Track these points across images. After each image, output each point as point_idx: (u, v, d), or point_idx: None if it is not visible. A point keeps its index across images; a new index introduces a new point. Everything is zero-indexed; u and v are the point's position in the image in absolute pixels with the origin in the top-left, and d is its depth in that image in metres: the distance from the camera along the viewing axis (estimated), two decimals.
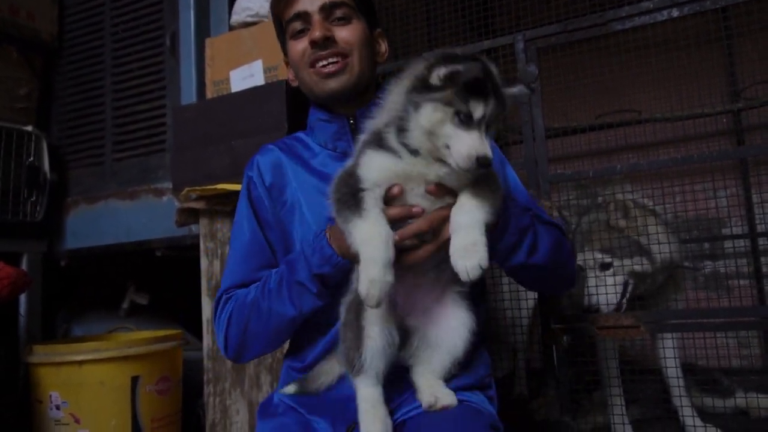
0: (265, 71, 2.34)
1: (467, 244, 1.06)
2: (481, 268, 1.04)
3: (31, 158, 2.90)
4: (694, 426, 2.00)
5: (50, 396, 2.34)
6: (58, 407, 2.32)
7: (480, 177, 1.10)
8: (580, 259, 2.08)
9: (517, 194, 1.50)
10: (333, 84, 1.42)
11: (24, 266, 2.89)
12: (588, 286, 2.05)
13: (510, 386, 2.72)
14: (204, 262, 2.34)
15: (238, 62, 2.41)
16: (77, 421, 2.32)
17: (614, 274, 2.04)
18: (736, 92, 3.11)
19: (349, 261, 1.22)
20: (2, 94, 2.91)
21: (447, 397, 1.23)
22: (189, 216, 2.39)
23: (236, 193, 2.14)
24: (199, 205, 2.30)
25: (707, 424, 2.00)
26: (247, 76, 2.37)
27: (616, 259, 2.04)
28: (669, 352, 2.10)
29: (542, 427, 2.15)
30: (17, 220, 2.84)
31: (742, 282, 2.93)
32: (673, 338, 2.12)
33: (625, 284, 2.05)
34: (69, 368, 2.33)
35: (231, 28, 2.62)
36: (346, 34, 1.42)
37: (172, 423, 2.57)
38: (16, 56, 2.97)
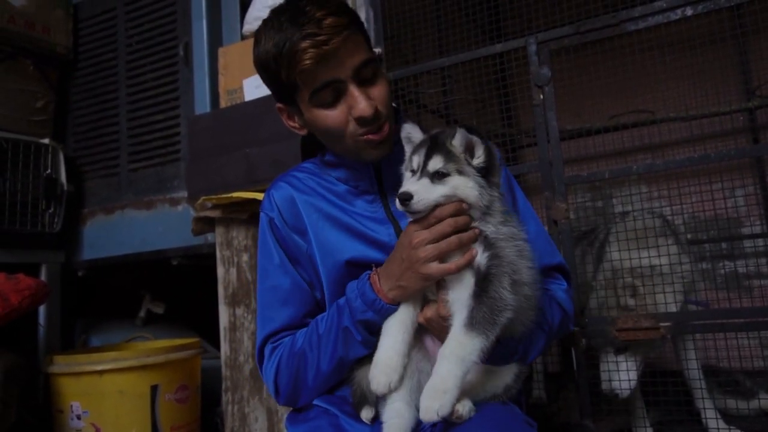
0: None
1: (438, 388, 1.09)
2: (437, 414, 1.07)
3: (49, 170, 2.93)
4: (718, 428, 1.98)
5: (71, 406, 2.36)
6: (79, 417, 2.34)
7: (486, 281, 1.15)
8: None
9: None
10: (378, 153, 1.37)
11: (43, 277, 2.92)
12: (602, 371, 2.02)
13: (528, 390, 2.70)
14: (221, 270, 2.35)
15: (252, 71, 2.41)
16: (98, 430, 2.34)
17: (630, 356, 2.00)
18: (751, 90, 3.09)
19: (396, 306, 1.25)
20: (19, 107, 2.96)
21: (464, 409, 1.21)
22: (205, 225, 2.41)
23: (252, 201, 2.16)
24: (214, 213, 2.32)
25: (731, 426, 1.97)
26: (260, 85, 2.37)
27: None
28: (688, 354, 2.08)
29: (562, 430, 2.14)
30: (36, 231, 2.87)
31: (762, 282, 2.89)
32: (693, 340, 2.10)
33: (639, 365, 2.02)
34: (89, 378, 2.35)
35: (243, 37, 2.65)
36: (378, 94, 1.34)
37: (192, 431, 2.58)
38: (32, 69, 3.02)
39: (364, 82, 1.33)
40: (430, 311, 1.23)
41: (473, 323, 1.11)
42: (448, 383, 1.08)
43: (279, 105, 1.45)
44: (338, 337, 1.30)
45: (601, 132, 2.39)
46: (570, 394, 2.23)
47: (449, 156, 1.18)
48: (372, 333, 1.28)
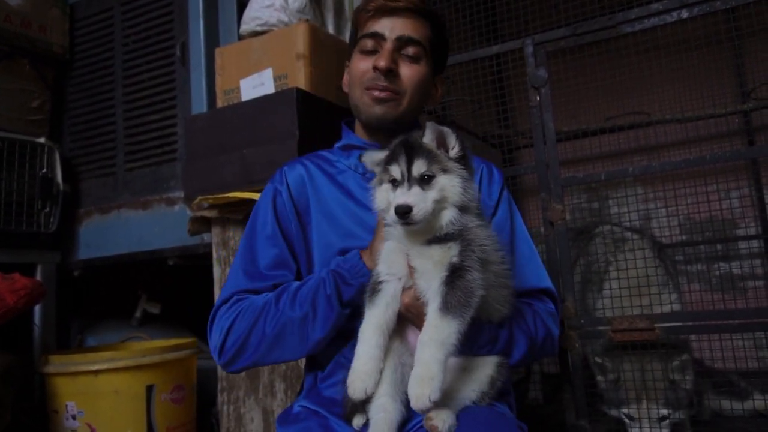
0: (275, 79, 2.35)
1: (424, 376, 1.09)
2: (430, 400, 1.07)
3: (44, 170, 2.92)
4: None
5: (66, 406, 2.35)
6: (74, 417, 2.34)
7: (458, 269, 1.14)
8: (633, 408, 2.06)
9: (525, 265, 1.50)
10: (378, 110, 1.45)
11: (38, 277, 2.91)
12: None
13: (524, 391, 2.71)
14: (217, 271, 2.35)
15: (249, 71, 2.43)
16: (93, 430, 2.33)
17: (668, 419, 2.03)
18: (746, 92, 3.10)
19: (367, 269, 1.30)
20: (15, 107, 2.95)
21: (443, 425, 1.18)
22: (201, 225, 2.40)
23: (248, 201, 2.16)
24: (211, 213, 2.32)
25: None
26: (257, 85, 2.39)
27: (672, 410, 2.03)
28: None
29: (558, 431, 2.14)
30: (31, 231, 2.86)
31: (756, 283, 2.91)
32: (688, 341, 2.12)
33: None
34: (85, 378, 2.34)
35: (240, 37, 2.64)
36: (408, 72, 1.45)
37: (187, 431, 2.57)
38: (28, 69, 3.00)
39: (403, 56, 1.45)
40: (407, 297, 1.24)
41: (448, 307, 1.12)
42: (433, 369, 1.08)
43: (347, 63, 1.60)
44: (316, 287, 1.32)
45: (597, 133, 2.41)
46: (566, 396, 2.24)
47: (430, 156, 1.18)
48: (342, 304, 1.30)
